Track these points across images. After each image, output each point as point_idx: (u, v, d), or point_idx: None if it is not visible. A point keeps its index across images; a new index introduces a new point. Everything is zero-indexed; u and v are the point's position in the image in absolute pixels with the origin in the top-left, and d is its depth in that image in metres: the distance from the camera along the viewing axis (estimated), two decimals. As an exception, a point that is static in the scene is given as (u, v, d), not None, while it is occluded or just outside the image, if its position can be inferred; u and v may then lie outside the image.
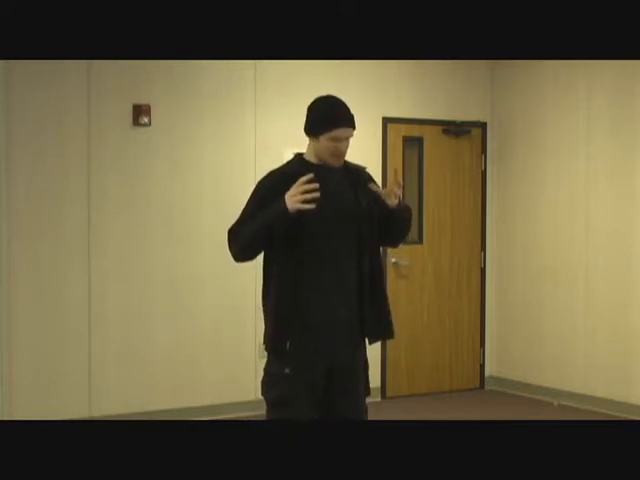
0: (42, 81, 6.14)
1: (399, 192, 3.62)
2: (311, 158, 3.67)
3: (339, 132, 3.59)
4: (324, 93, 3.84)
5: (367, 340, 3.75)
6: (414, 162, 7.70)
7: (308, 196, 3.44)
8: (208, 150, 6.73)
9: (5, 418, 5.91)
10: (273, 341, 3.62)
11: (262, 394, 3.70)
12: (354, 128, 3.65)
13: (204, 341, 6.72)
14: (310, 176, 3.47)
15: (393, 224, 3.73)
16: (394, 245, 3.98)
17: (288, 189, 3.49)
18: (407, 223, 3.79)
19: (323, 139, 3.60)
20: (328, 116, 3.61)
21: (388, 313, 3.78)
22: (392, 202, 3.61)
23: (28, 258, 6.11)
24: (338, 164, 3.67)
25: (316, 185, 3.45)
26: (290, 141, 6.76)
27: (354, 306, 3.66)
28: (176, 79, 6.60)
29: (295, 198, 3.44)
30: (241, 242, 3.60)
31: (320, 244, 3.55)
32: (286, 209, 3.45)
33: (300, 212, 3.47)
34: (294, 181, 3.51)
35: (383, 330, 3.77)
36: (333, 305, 3.60)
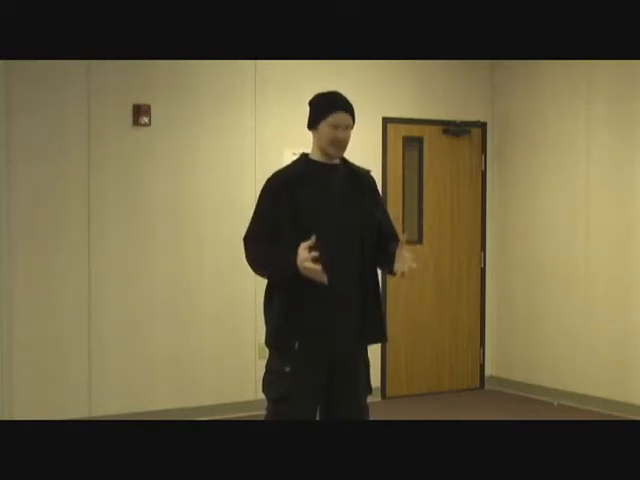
0: (42, 81, 6.14)
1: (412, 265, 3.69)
2: (315, 156, 3.74)
3: (336, 117, 3.66)
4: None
5: (363, 342, 3.81)
6: (414, 162, 7.69)
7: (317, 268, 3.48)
8: (208, 150, 6.73)
9: (5, 418, 5.91)
10: (280, 340, 3.66)
11: (263, 391, 3.72)
12: (353, 117, 3.71)
13: (204, 341, 6.71)
14: (312, 241, 3.48)
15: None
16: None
17: (294, 191, 3.60)
18: None
19: (322, 127, 3.67)
20: (325, 103, 3.71)
21: (383, 318, 3.90)
22: (399, 268, 3.70)
23: (28, 258, 6.11)
24: (338, 154, 3.71)
25: (316, 253, 3.47)
26: (290, 141, 6.76)
27: (356, 309, 3.70)
28: (176, 79, 6.60)
29: (306, 264, 3.47)
30: (253, 266, 3.73)
31: (324, 248, 3.57)
32: (295, 266, 3.50)
33: (305, 218, 3.57)
34: (300, 182, 3.62)
35: (379, 334, 3.86)
36: (336, 307, 3.65)
